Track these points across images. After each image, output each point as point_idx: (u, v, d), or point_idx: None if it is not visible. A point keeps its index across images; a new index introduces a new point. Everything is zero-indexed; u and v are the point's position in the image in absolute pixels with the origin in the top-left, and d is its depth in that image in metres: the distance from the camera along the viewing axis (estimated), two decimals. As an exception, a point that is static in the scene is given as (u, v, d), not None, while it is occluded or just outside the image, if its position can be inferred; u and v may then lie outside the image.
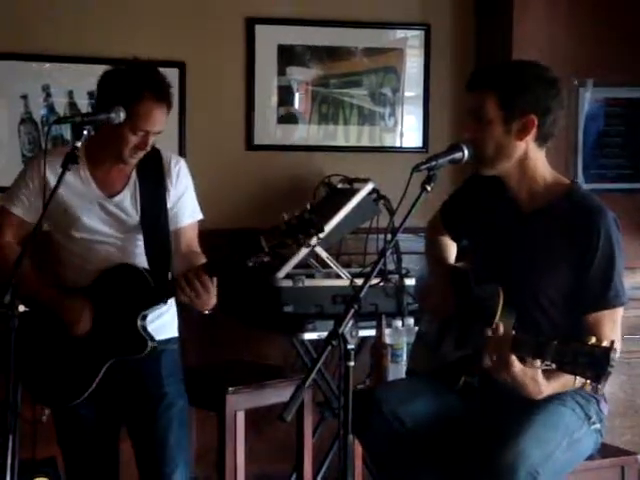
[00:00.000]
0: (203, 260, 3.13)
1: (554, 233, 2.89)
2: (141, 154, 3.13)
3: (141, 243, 3.18)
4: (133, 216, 3.18)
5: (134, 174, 3.20)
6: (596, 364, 2.44)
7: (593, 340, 2.48)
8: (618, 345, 2.80)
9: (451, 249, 3.30)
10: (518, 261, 2.93)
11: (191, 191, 3.29)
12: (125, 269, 3.13)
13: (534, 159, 2.92)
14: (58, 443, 3.32)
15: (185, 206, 3.25)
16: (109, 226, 3.17)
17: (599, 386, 2.46)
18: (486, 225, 3.06)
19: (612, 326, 2.84)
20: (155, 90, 3.05)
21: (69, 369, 3.15)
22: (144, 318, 3.11)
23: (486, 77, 2.91)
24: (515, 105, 2.84)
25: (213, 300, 3.02)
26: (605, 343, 2.46)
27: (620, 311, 2.87)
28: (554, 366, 2.55)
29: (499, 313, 2.82)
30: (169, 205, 3.21)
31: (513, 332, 2.69)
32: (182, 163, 3.27)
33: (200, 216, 3.32)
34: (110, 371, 3.13)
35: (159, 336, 3.19)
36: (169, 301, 3.17)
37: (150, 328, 3.15)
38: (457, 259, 3.33)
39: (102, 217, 3.17)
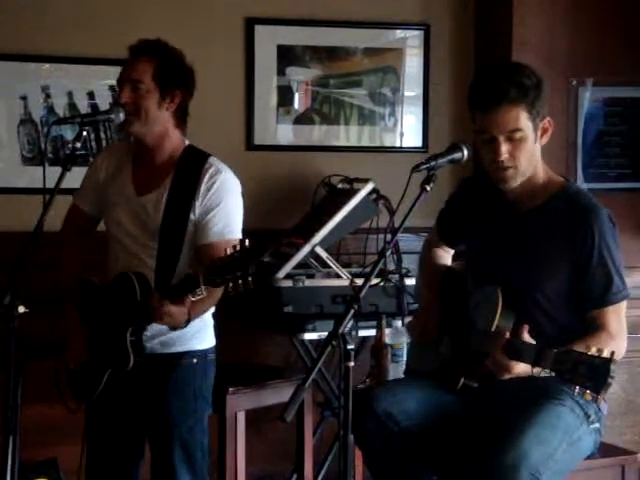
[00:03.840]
0: None
1: (550, 231, 2.90)
2: (132, 118, 3.09)
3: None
4: (154, 219, 3.10)
5: (170, 177, 3.13)
6: (596, 375, 2.42)
7: (593, 350, 2.46)
8: (624, 339, 2.83)
9: (445, 259, 3.31)
10: (515, 261, 2.93)
11: (226, 208, 3.10)
12: (126, 279, 3.04)
13: (538, 161, 2.95)
14: (85, 438, 3.28)
15: (214, 223, 3.08)
16: (136, 226, 3.13)
17: (599, 396, 2.45)
18: (482, 226, 3.06)
19: (617, 320, 2.86)
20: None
21: (87, 368, 3.15)
22: (139, 331, 3.01)
23: (510, 93, 2.81)
24: (539, 112, 2.86)
25: (170, 320, 2.93)
26: (605, 354, 2.44)
27: (624, 305, 2.89)
28: (553, 374, 2.55)
29: (498, 315, 2.82)
30: (193, 217, 3.08)
31: (509, 336, 2.69)
32: (222, 177, 3.11)
33: (233, 236, 3.06)
34: (115, 379, 3.09)
35: (170, 349, 3.12)
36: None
37: (160, 340, 3.09)
38: (453, 261, 3.34)
39: (128, 214, 3.14)
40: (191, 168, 3.13)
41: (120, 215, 3.16)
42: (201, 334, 3.17)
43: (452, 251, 3.31)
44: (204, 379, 3.21)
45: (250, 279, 2.71)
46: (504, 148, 2.83)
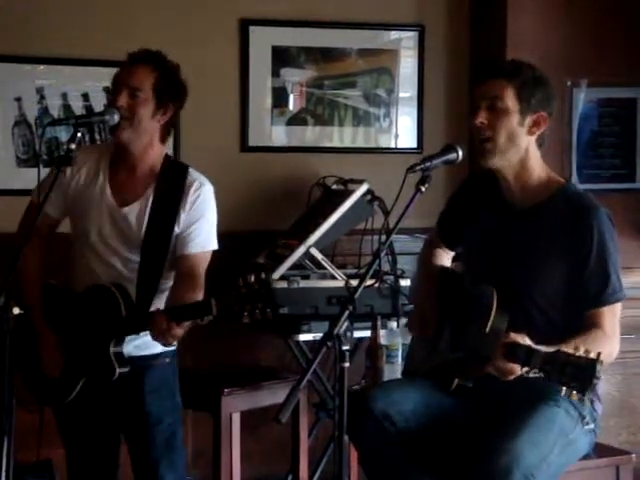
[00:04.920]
0: (190, 292, 3.03)
1: (548, 231, 2.91)
2: (124, 123, 3.07)
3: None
4: (137, 231, 3.10)
5: (151, 189, 3.13)
6: (582, 376, 2.45)
7: (581, 351, 2.48)
8: (618, 340, 2.84)
9: (445, 259, 3.32)
10: (514, 259, 2.94)
11: (207, 220, 3.15)
12: (106, 291, 3.04)
13: (533, 157, 2.97)
14: (63, 443, 3.31)
15: (196, 234, 3.12)
16: (116, 237, 3.12)
17: (585, 397, 2.47)
18: (480, 226, 3.07)
19: (612, 321, 2.87)
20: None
21: (59, 375, 3.14)
22: (120, 342, 3.04)
23: (504, 68, 2.96)
24: (531, 100, 2.91)
25: (172, 341, 2.97)
26: (592, 355, 2.46)
27: (619, 306, 2.90)
28: (542, 375, 2.56)
29: (492, 316, 2.83)
30: (177, 230, 3.11)
31: (507, 338, 2.69)
32: (204, 190, 3.15)
33: (212, 247, 3.17)
34: (90, 385, 3.10)
35: (144, 352, 3.15)
36: None
37: (135, 344, 3.11)
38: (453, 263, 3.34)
39: (110, 226, 3.13)
40: (173, 180, 3.14)
41: (100, 225, 3.14)
42: None
43: (452, 253, 3.32)
44: (175, 377, 3.28)
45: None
46: (483, 113, 2.91)
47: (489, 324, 2.82)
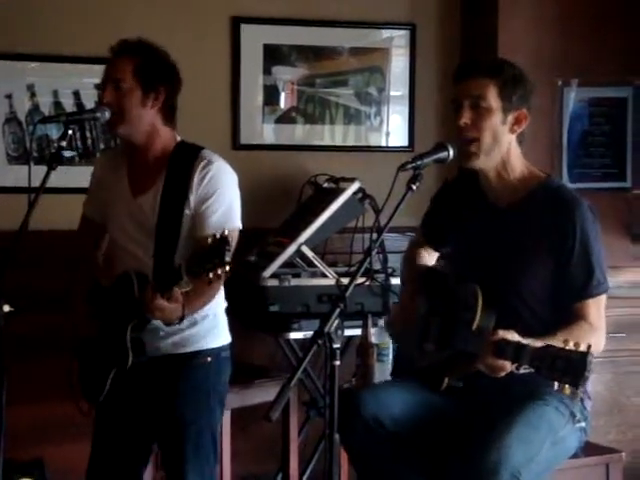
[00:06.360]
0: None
1: (530, 227, 2.92)
2: (115, 119, 3.07)
3: None
4: (150, 219, 3.07)
5: (163, 175, 3.09)
6: (573, 369, 2.43)
7: (571, 344, 2.47)
8: (604, 332, 2.84)
9: (429, 259, 3.31)
10: (498, 257, 2.94)
11: (221, 198, 3.04)
12: (126, 277, 3.02)
13: (514, 155, 2.97)
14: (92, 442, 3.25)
15: (209, 213, 3.02)
16: (137, 228, 3.11)
17: (578, 390, 2.47)
18: (464, 226, 3.07)
19: (597, 313, 2.87)
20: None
21: (95, 369, 3.12)
22: (140, 329, 2.99)
23: (484, 67, 2.95)
24: (513, 98, 2.90)
25: (161, 315, 2.90)
26: (582, 347, 2.45)
27: (604, 298, 2.90)
28: (533, 370, 2.56)
29: (478, 314, 2.83)
30: (188, 212, 3.04)
31: (495, 336, 2.69)
32: (215, 167, 3.07)
33: (231, 226, 2.98)
34: (127, 381, 3.06)
35: (182, 349, 3.10)
36: (205, 311, 3.09)
37: (173, 340, 3.08)
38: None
39: (127, 216, 3.13)
40: (183, 163, 3.09)
41: (120, 218, 3.15)
42: (214, 332, 3.16)
43: (436, 254, 3.31)
44: (217, 377, 3.18)
45: (227, 268, 2.69)
46: (467, 113, 2.89)
47: (475, 322, 2.82)
